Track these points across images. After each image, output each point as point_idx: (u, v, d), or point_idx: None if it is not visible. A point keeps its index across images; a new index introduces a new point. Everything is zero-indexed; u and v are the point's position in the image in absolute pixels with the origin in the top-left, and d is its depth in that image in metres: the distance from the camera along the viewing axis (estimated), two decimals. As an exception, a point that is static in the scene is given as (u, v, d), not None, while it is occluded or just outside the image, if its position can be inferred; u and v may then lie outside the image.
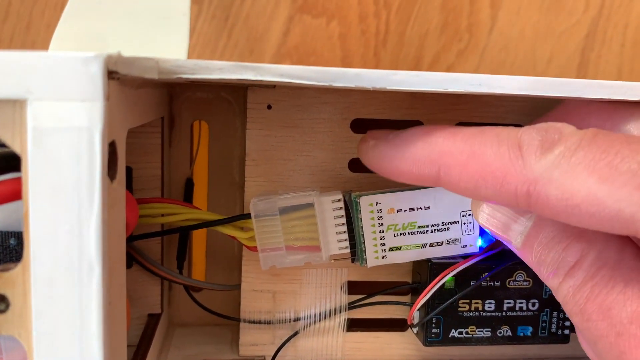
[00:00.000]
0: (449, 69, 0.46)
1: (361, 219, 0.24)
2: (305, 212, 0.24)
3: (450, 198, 0.24)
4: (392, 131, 0.21)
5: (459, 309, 0.26)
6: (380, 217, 0.24)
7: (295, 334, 0.27)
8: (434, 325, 0.26)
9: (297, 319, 0.27)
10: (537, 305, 0.26)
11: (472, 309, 0.26)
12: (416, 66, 0.47)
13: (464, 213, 0.24)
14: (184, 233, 0.28)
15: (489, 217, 0.21)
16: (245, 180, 0.26)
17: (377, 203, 0.24)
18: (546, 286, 0.26)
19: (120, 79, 0.17)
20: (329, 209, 0.24)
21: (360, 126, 0.27)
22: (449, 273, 0.25)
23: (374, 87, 0.20)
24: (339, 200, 0.24)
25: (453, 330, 0.26)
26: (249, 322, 0.27)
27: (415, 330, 0.27)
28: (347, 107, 0.26)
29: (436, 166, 0.19)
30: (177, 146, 0.29)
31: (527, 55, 0.48)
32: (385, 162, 0.20)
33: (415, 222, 0.24)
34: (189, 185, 0.29)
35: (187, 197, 0.29)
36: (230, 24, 0.45)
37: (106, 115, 0.15)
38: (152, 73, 0.17)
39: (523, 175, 0.17)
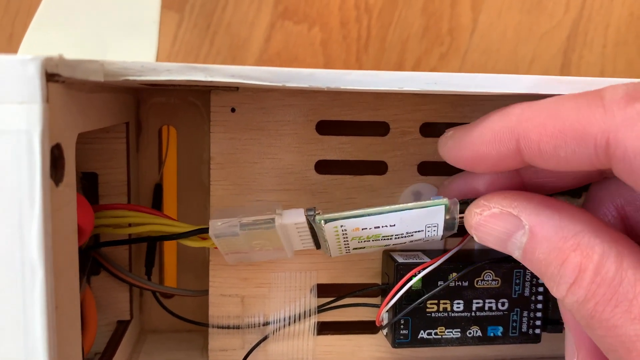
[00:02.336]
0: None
1: (325, 236, 0.23)
2: (267, 229, 0.23)
3: (416, 216, 0.23)
4: None
5: (427, 310, 0.25)
6: (345, 234, 0.23)
7: (265, 338, 0.27)
8: (402, 326, 0.25)
9: (266, 323, 0.27)
10: (506, 305, 0.26)
11: (441, 309, 0.26)
12: (398, 71, 0.46)
13: (429, 225, 0.24)
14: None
15: (485, 236, 0.20)
16: (210, 184, 0.26)
17: (341, 226, 0.23)
18: (515, 285, 0.26)
19: (66, 82, 0.17)
20: (292, 228, 0.24)
21: (326, 128, 0.27)
22: (415, 273, 0.25)
23: (328, 87, 0.20)
24: (302, 222, 0.23)
25: (422, 332, 0.26)
26: (218, 327, 0.27)
27: (384, 332, 0.27)
28: (312, 109, 0.26)
29: (515, 135, 0.18)
30: (145, 152, 0.29)
31: (509, 58, 0.48)
32: (463, 147, 0.20)
33: (380, 234, 0.24)
34: (157, 190, 0.29)
35: (156, 202, 0.29)
36: (212, 32, 0.45)
37: (46, 118, 0.15)
38: (97, 75, 0.17)
39: (603, 123, 0.16)
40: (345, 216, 0.22)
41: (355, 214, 0.22)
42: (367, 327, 0.28)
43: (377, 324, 0.26)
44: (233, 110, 0.26)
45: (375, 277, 0.28)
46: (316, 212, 0.23)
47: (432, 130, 0.27)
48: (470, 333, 0.26)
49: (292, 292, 0.27)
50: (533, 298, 0.26)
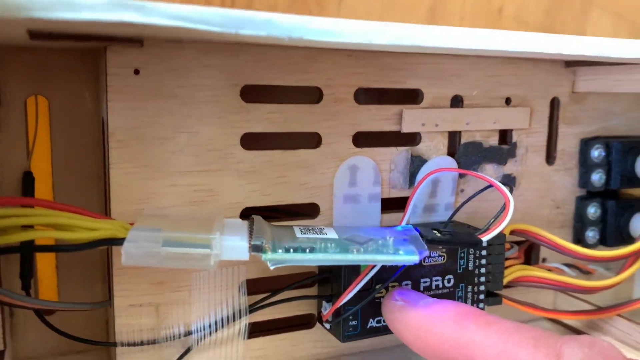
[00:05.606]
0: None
1: None
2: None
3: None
4: (422, 296, 0.21)
5: (375, 296, 0.23)
6: None
7: (188, 351, 0.22)
8: (351, 317, 0.23)
9: (188, 333, 0.22)
10: (452, 281, 0.24)
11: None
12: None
13: None
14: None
15: None
16: (110, 168, 0.21)
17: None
18: (460, 260, 0.24)
19: None
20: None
21: (252, 94, 0.22)
22: (367, 274, 0.22)
23: (290, 37, 0.16)
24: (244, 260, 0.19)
25: (371, 320, 0.23)
26: (128, 344, 0.22)
27: (328, 326, 0.23)
28: (235, 71, 0.22)
29: (462, 356, 0.18)
30: (7, 130, 0.22)
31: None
32: (410, 329, 0.20)
33: None
34: (27, 179, 0.22)
35: (27, 195, 0.22)
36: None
37: None
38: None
39: None
40: (299, 260, 0.19)
41: (312, 259, 0.19)
42: (303, 322, 0.25)
43: (324, 319, 0.23)
44: (137, 72, 0.20)
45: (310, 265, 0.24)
46: (264, 249, 0.19)
47: (368, 96, 0.24)
48: (418, 316, 0.24)
49: (218, 292, 0.23)
50: (477, 271, 0.25)
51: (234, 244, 0.19)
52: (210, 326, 0.23)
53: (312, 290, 0.25)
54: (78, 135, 0.23)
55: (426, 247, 0.21)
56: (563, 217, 0.30)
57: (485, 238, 0.22)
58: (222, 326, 0.23)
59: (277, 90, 0.23)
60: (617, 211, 0.29)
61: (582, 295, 0.29)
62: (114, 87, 0.20)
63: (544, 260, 0.30)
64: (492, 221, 0.23)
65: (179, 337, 0.22)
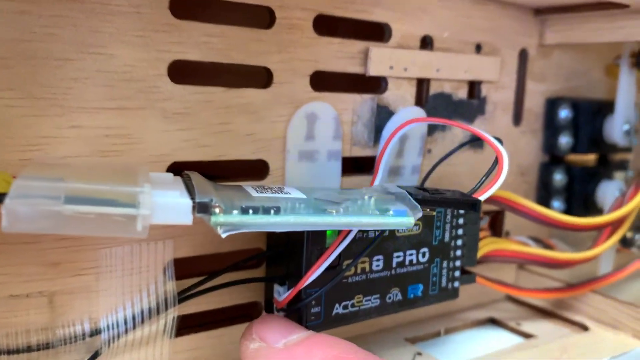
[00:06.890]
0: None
1: None
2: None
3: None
4: (288, 330, 0.16)
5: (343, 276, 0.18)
6: None
7: (95, 356, 0.16)
8: (313, 303, 0.18)
9: (95, 333, 0.16)
10: (427, 256, 0.20)
11: (359, 271, 0.19)
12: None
13: None
14: None
15: None
16: (-20, 97, 0.14)
17: None
18: (436, 229, 0.20)
19: None
20: None
21: (186, 9, 0.17)
22: (338, 246, 0.17)
23: None
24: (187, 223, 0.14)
25: (337, 306, 0.18)
26: (8, 352, 0.15)
27: (281, 315, 0.18)
28: (163, -25, 0.16)
29: None
30: None
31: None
32: None
33: None
34: None
35: None
36: None
37: None
38: None
39: None
40: (262, 223, 0.14)
41: (279, 222, 0.14)
42: (246, 313, 0.20)
43: (279, 307, 0.18)
44: (22, -41, 0.14)
45: (257, 239, 0.19)
46: (213, 210, 0.14)
47: (329, 26, 0.20)
48: (390, 297, 0.20)
49: (136, 276, 0.17)
50: (453, 244, 0.21)
51: (170, 201, 0.13)
52: (125, 322, 0.17)
53: (259, 272, 0.19)
54: None
55: (419, 206, 0.16)
56: (527, 185, 0.27)
57: (483, 197, 0.18)
58: (142, 321, 0.17)
59: (218, 5, 0.17)
60: (584, 178, 0.27)
61: (547, 272, 0.26)
62: (-15, -22, 0.14)
63: (507, 234, 0.27)
64: (483, 179, 0.19)
65: (83, 338, 0.16)
